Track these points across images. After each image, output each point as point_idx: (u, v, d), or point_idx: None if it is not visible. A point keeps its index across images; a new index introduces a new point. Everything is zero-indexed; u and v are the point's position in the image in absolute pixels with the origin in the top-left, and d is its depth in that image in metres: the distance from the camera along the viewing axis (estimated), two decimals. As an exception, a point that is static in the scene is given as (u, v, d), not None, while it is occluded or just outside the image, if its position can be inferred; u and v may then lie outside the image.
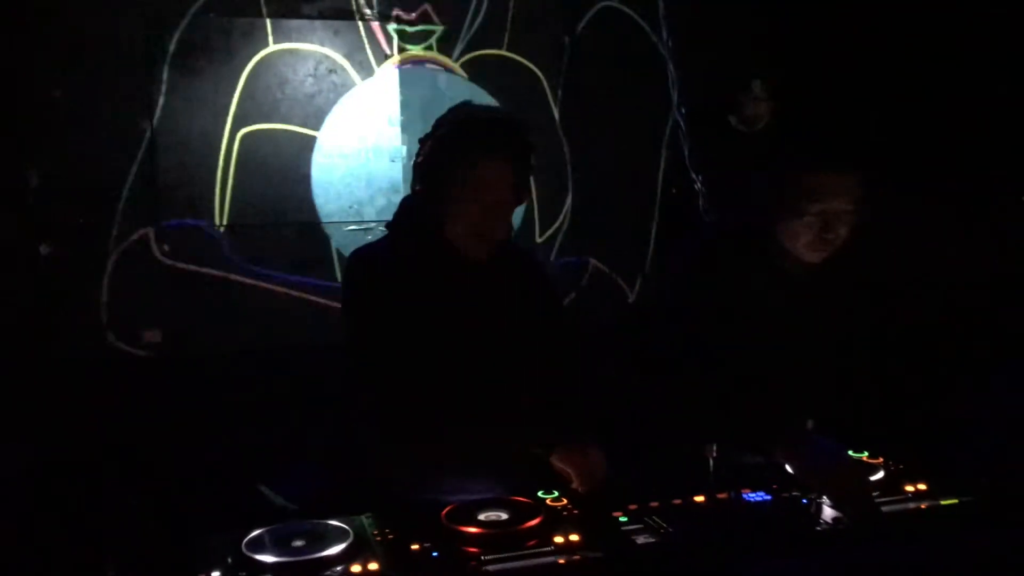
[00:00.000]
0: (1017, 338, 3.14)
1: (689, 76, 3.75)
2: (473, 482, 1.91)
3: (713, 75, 4.27)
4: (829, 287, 2.12)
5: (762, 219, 2.08)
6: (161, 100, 4.47)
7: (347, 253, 4.79)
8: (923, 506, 1.78)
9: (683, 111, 3.63)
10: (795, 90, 4.34)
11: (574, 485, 1.88)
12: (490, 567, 1.55)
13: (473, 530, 1.65)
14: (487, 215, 1.93)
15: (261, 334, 4.59)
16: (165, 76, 4.47)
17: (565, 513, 1.78)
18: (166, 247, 4.52)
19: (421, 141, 2.00)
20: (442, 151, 1.93)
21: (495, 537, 1.64)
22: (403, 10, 4.87)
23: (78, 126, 4.33)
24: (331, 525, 1.68)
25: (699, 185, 3.80)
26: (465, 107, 2.01)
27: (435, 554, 1.60)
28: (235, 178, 4.62)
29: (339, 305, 2.04)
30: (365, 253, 2.08)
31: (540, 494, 1.86)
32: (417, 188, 2.02)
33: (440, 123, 1.98)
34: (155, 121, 4.46)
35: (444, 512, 1.72)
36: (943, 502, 1.78)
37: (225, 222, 4.61)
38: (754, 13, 4.85)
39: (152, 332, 4.45)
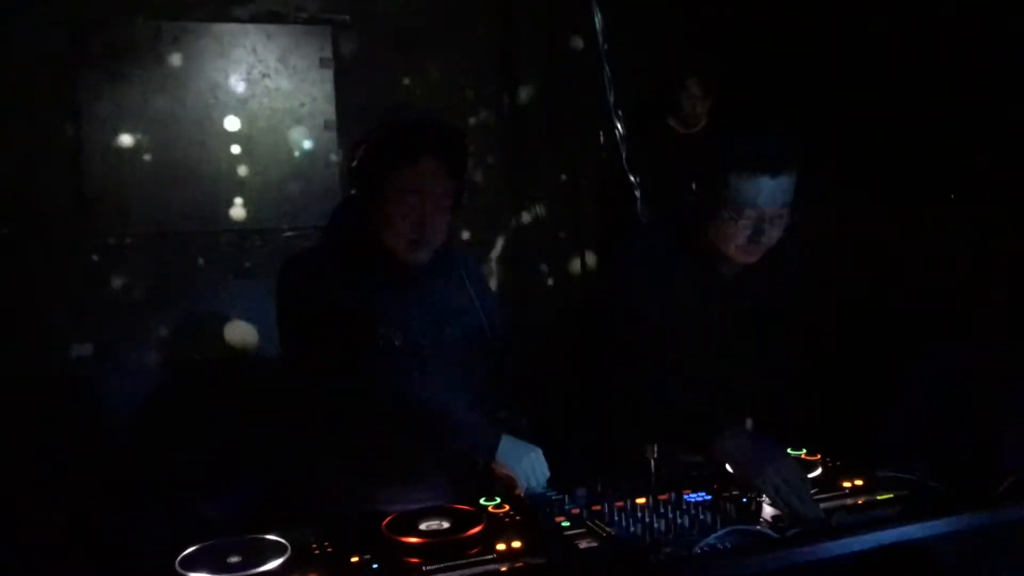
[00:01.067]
0: (944, 324, 3.23)
1: (625, 77, 3.76)
2: (413, 491, 1.88)
3: (649, 75, 4.30)
4: (760, 285, 2.14)
5: (695, 220, 2.09)
6: (87, 105, 4.36)
7: (282, 259, 4.73)
8: (860, 501, 1.80)
9: (619, 112, 3.64)
10: (732, 88, 4.39)
11: (516, 490, 1.87)
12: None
13: (414, 540, 1.63)
14: (423, 218, 1.91)
15: (196, 345, 4.50)
16: (91, 80, 4.35)
17: (507, 520, 1.76)
18: (95, 257, 4.40)
19: (355, 144, 1.97)
20: (377, 154, 1.91)
21: (436, 546, 1.61)
22: (336, 12, 4.83)
23: (0, 132, 4.19)
24: (268, 540, 1.64)
25: (637, 187, 3.81)
26: (399, 109, 1.99)
27: (375, 566, 1.57)
28: (166, 185, 4.51)
29: (270, 316, 2.00)
30: (298, 259, 2.04)
31: (482, 501, 1.84)
32: (352, 192, 1.99)
33: (373, 126, 1.96)
34: (81, 126, 4.34)
35: (384, 523, 1.69)
36: (879, 497, 1.81)
37: (156, 230, 4.50)
38: (690, 12, 4.92)
39: (83, 345, 4.33)
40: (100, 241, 4.39)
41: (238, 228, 4.66)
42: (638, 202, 3.87)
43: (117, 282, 4.40)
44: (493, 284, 4.42)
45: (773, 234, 2.01)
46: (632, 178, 3.75)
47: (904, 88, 3.97)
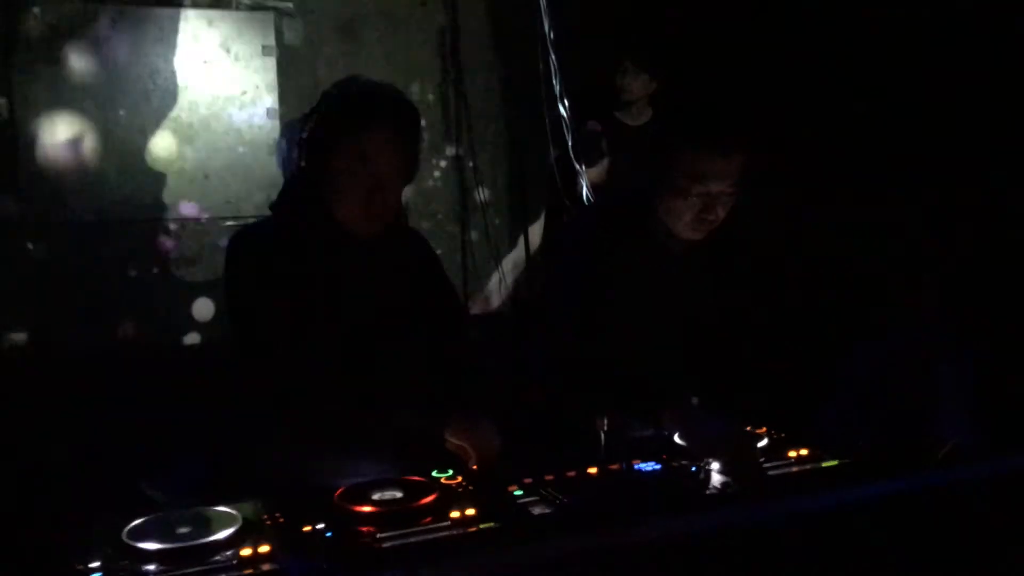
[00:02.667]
0: (883, 307, 3.32)
1: (570, 67, 3.79)
2: (366, 464, 1.87)
3: (594, 64, 4.33)
4: (707, 262, 2.18)
5: (644, 197, 2.12)
6: (21, 88, 4.24)
7: (223, 248, 4.66)
8: (806, 468, 1.84)
9: (566, 102, 3.67)
10: (676, 74, 4.44)
11: (470, 463, 1.86)
12: (386, 544, 1.51)
13: (367, 509, 1.62)
14: (376, 190, 1.90)
15: (136, 331, 4.41)
16: (25, 61, 4.24)
17: (460, 490, 1.76)
18: (29, 244, 4.29)
19: (305, 116, 1.95)
20: (329, 124, 1.89)
21: (390, 515, 1.61)
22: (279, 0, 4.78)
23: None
24: (218, 511, 1.62)
25: (582, 174, 3.85)
26: (351, 80, 1.98)
27: (328, 534, 1.55)
28: (104, 172, 4.42)
29: (216, 301, 1.98)
30: (246, 233, 2.01)
31: (435, 473, 1.83)
32: (302, 165, 1.97)
33: (326, 97, 1.94)
34: (15, 109, 4.23)
35: (337, 493, 1.68)
36: (824, 464, 1.85)
37: (95, 218, 4.40)
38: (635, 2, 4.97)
39: (17, 332, 4.21)
40: (35, 227, 4.27)
41: (176, 216, 4.59)
42: (586, 188, 3.90)
43: (51, 268, 4.29)
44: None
45: (720, 212, 2.05)
46: (578, 165, 3.78)
47: (843, 82, 4.07)
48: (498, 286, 5.29)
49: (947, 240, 3.73)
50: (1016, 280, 3.26)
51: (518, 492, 1.73)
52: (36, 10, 4.23)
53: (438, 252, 2.21)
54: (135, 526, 1.55)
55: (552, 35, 3.68)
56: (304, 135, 1.95)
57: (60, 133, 4.33)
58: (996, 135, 3.48)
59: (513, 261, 5.27)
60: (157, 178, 4.54)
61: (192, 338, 4.39)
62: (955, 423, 2.33)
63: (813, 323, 3.07)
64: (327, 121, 1.89)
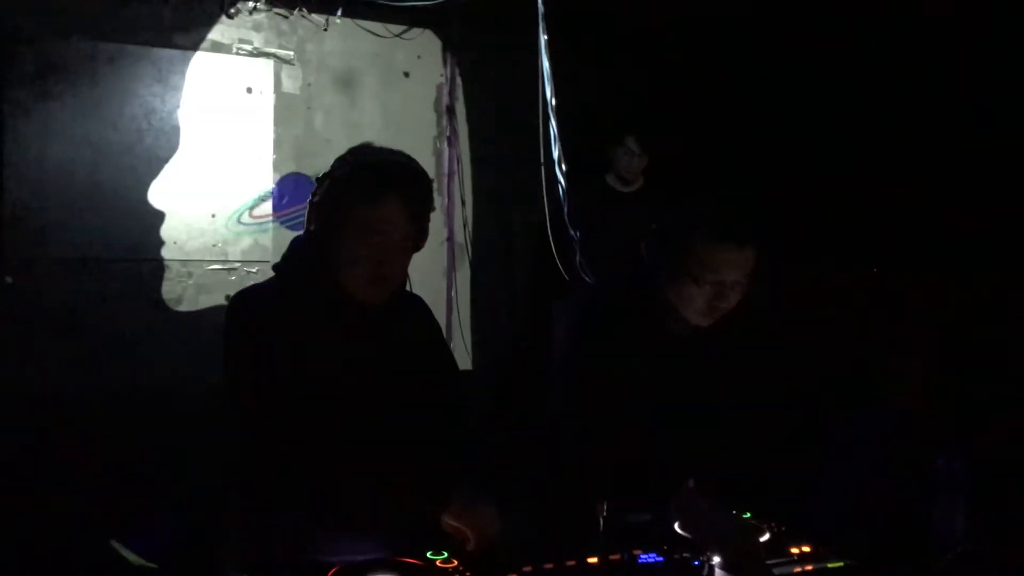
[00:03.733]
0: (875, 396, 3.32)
1: (567, 133, 3.81)
2: (359, 542, 1.80)
3: (589, 132, 4.37)
4: (713, 348, 2.17)
5: (652, 280, 2.12)
6: (12, 124, 4.18)
7: (208, 292, 4.59)
8: (809, 568, 1.80)
9: (563, 168, 3.68)
10: (668, 150, 4.50)
11: (468, 546, 1.81)
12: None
13: (362, 594, 1.56)
14: (384, 258, 1.87)
15: (115, 375, 4.30)
16: (18, 98, 4.19)
17: (455, 574, 1.70)
18: (8, 279, 4.20)
19: (319, 180, 1.93)
20: (341, 191, 1.87)
21: (385, 601, 1.55)
22: (280, 47, 4.78)
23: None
24: (206, 589, 1.55)
25: (576, 241, 3.85)
26: (365, 148, 1.96)
27: (321, 620, 1.50)
28: (91, 210, 4.35)
29: (199, 346, 1.93)
30: (250, 295, 1.97)
31: (429, 555, 1.78)
32: (311, 228, 1.94)
33: (339, 163, 1.92)
34: (5, 144, 4.16)
35: (330, 574, 1.62)
36: (829, 565, 1.81)
37: (79, 255, 4.32)
38: (632, 73, 5.04)
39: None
40: (17, 263, 4.19)
41: (163, 258, 4.52)
42: (578, 257, 3.90)
43: (31, 305, 4.19)
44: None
45: (732, 300, 2.05)
46: (573, 233, 3.78)
47: (829, 157, 4.14)
48: (481, 343, 5.27)
49: (944, 333, 3.77)
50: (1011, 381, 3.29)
51: (517, 582, 1.68)
52: (30, 48, 4.18)
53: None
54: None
55: (554, 101, 3.69)
56: (315, 199, 1.92)
57: (48, 170, 4.27)
58: (998, 227, 3.54)
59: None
60: (145, 217, 4.48)
61: (176, 384, 4.29)
62: (950, 523, 2.31)
63: (810, 410, 3.07)
64: (340, 188, 1.87)
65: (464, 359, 5.13)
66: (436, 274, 5.13)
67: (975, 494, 2.55)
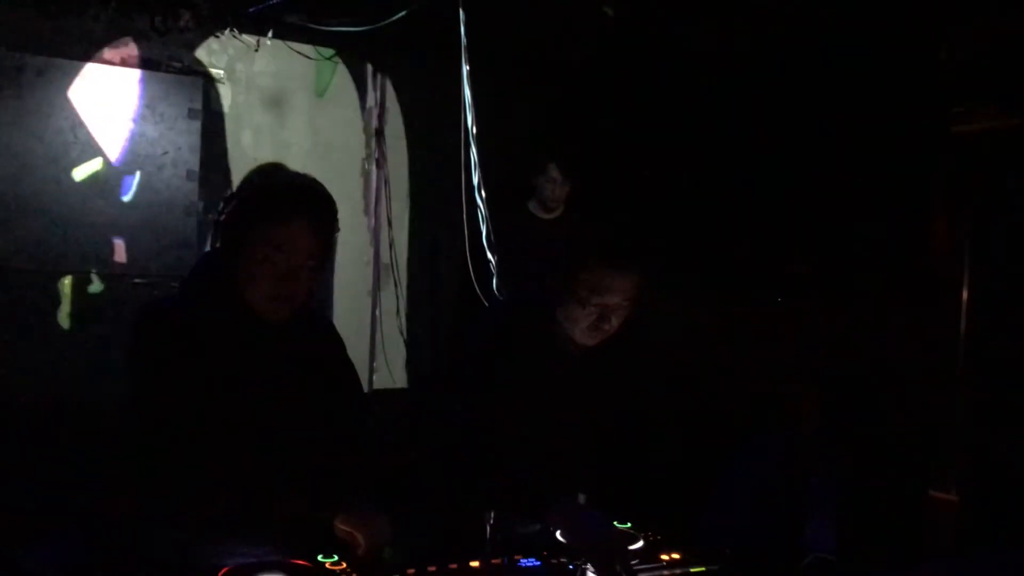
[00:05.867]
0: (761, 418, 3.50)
1: (488, 159, 3.95)
2: (252, 546, 1.89)
3: (512, 159, 4.51)
4: (601, 367, 2.30)
5: (546, 301, 2.25)
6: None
7: (130, 306, 4.60)
8: (675, 572, 1.94)
9: (483, 194, 3.81)
10: (589, 176, 4.66)
11: (358, 551, 1.91)
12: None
13: (249, 592, 1.65)
14: (287, 278, 1.96)
15: (25, 387, 4.29)
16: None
17: (343, 576, 1.80)
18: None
19: (225, 200, 2.01)
20: (246, 211, 1.96)
21: (271, 599, 1.64)
22: (211, 66, 4.85)
23: None
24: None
25: (493, 265, 3.97)
26: (271, 169, 2.06)
27: (208, 616, 1.58)
28: (13, 220, 4.35)
29: (113, 360, 2.00)
30: (154, 308, 2.05)
31: (320, 558, 1.87)
32: (217, 246, 2.02)
33: (246, 184, 2.01)
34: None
35: (220, 573, 1.70)
36: (692, 570, 1.95)
37: (-5, 265, 4.32)
38: (552, 100, 5.21)
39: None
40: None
41: (83, 270, 4.53)
42: (495, 280, 4.02)
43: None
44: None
45: (615, 322, 2.18)
46: (491, 257, 3.91)
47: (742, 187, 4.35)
48: (404, 362, 5.36)
49: (834, 356, 3.97)
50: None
51: (400, 583, 1.78)
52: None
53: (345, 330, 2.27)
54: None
55: (475, 129, 3.83)
56: (222, 217, 2.01)
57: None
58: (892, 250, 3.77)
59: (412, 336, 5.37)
60: (67, 230, 4.49)
61: (88, 395, 4.30)
62: (820, 536, 2.47)
63: (703, 427, 3.23)
64: (246, 209, 1.96)
65: (386, 378, 5.22)
66: (362, 294, 5.22)
67: (850, 509, 2.75)
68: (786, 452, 3.13)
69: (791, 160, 4.19)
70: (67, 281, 4.51)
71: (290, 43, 5.02)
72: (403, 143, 5.42)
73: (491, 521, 1.99)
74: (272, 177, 2.03)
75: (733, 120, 4.39)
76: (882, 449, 3.39)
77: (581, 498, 2.35)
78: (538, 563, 1.94)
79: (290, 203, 1.95)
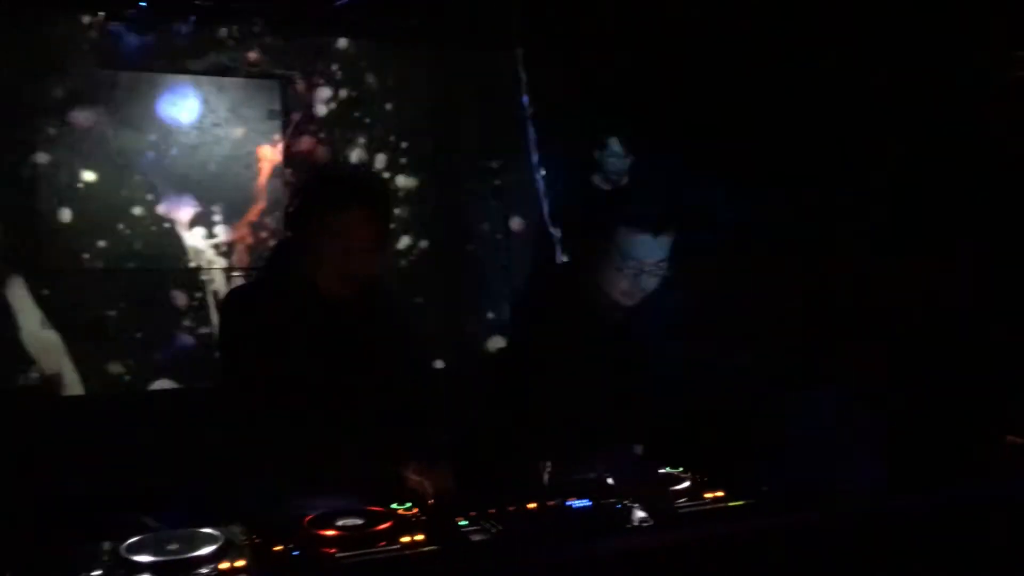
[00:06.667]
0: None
1: (548, 136, 4.12)
2: (333, 496, 2.14)
3: (572, 135, 4.66)
4: (639, 322, 2.47)
5: (588, 267, 2.43)
6: (46, 148, 4.59)
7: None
8: (716, 507, 2.11)
9: (543, 172, 3.99)
10: (650, 147, 4.77)
11: (427, 499, 2.14)
12: (345, 562, 1.79)
13: (330, 533, 1.89)
14: (350, 258, 2.19)
15: (143, 375, 4.71)
16: (50, 124, 4.59)
17: (414, 520, 2.02)
18: (45, 291, 4.60)
19: (292, 193, 2.26)
20: (310, 201, 2.20)
21: (349, 538, 1.87)
22: (286, 68, 5.14)
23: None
24: (203, 532, 1.89)
25: (558, 240, 4.15)
26: (331, 164, 2.29)
27: (296, 553, 1.82)
28: (118, 224, 4.74)
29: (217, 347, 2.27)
30: (238, 291, 2.33)
31: (394, 505, 2.10)
32: (288, 234, 2.27)
33: (309, 177, 2.25)
34: (40, 168, 4.57)
35: (306, 520, 1.95)
36: (731, 504, 2.12)
37: (105, 266, 4.72)
38: (613, 74, 5.31)
39: (32, 373, 4.50)
40: (51, 275, 4.59)
41: (186, 267, 4.90)
42: (559, 250, 4.19)
43: (67, 313, 4.59)
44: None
45: (651, 282, 2.34)
46: (552, 230, 4.08)
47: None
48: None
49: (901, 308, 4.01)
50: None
51: (463, 523, 2.00)
52: (60, 78, 4.58)
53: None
54: (132, 543, 1.83)
55: (533, 109, 4.00)
56: (290, 209, 2.25)
57: (78, 189, 4.67)
58: (953, 200, 3.77)
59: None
60: (165, 231, 4.86)
61: (192, 380, 4.68)
62: (863, 471, 2.57)
63: (760, 379, 3.33)
64: (310, 199, 2.20)
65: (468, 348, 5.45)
66: (441, 272, 5.45)
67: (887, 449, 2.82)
68: (846, 406, 3.21)
69: (848, 112, 4.20)
70: (173, 277, 4.88)
71: (359, 40, 5.26)
72: (472, 124, 5.60)
73: (547, 469, 2.20)
74: (331, 170, 2.26)
75: (786, 79, 4.42)
76: (953, 396, 3.41)
77: (638, 448, 2.52)
78: (589, 503, 2.13)
79: (347, 193, 2.18)
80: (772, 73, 4.47)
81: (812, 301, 3.95)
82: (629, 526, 2.01)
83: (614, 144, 4.70)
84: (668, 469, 2.33)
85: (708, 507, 2.11)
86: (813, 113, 4.17)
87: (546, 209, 4.10)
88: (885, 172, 3.94)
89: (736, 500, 2.13)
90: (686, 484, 2.24)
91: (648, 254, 2.31)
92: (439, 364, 4.60)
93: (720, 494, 2.19)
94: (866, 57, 4.04)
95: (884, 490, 2.63)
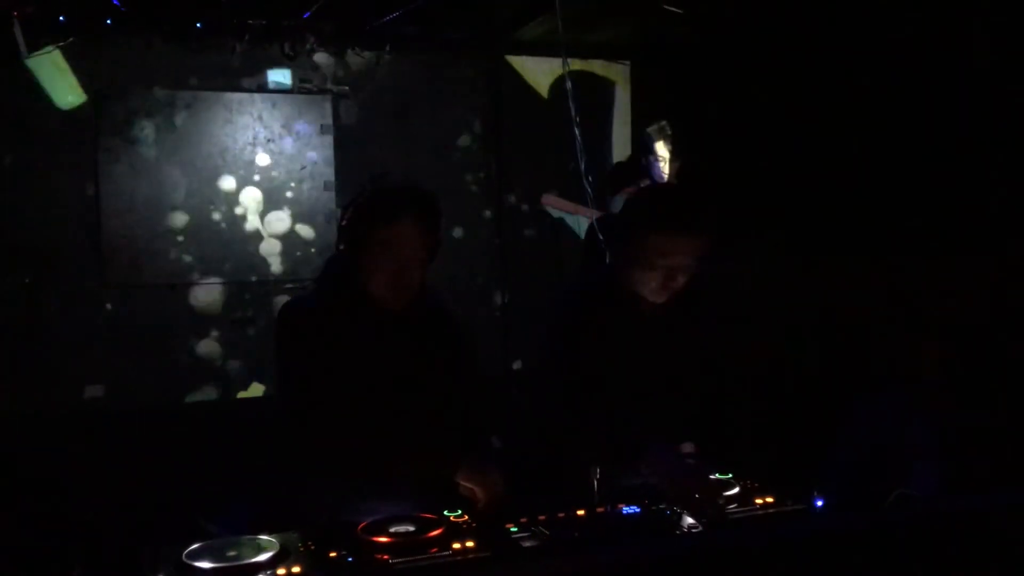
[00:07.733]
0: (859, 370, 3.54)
1: (594, 146, 4.14)
2: (387, 503, 2.18)
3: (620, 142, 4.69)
4: (679, 323, 2.47)
5: (620, 268, 2.44)
6: (105, 167, 4.74)
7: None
8: (766, 512, 2.11)
9: (590, 179, 4.02)
10: (697, 151, 4.78)
11: (478, 505, 2.17)
12: (397, 568, 1.83)
13: (383, 539, 1.93)
14: (401, 270, 2.24)
15: (201, 387, 4.84)
16: (110, 144, 4.75)
17: (465, 527, 2.06)
18: (109, 306, 4.75)
19: (344, 207, 2.31)
20: (360, 216, 2.25)
21: (402, 545, 1.92)
22: (336, 84, 5.24)
23: (26, 190, 4.57)
24: (260, 539, 1.95)
25: (605, 246, 4.17)
26: (381, 177, 2.34)
27: (350, 559, 1.87)
28: (175, 240, 4.88)
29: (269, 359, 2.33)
30: (293, 304, 2.38)
31: (446, 512, 2.14)
32: (341, 247, 2.32)
33: (361, 192, 2.30)
34: (100, 186, 4.72)
35: (360, 527, 2.00)
36: (784, 509, 2.11)
37: (165, 281, 4.86)
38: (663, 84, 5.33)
39: (95, 387, 4.65)
40: (113, 291, 4.74)
41: (241, 280, 5.02)
42: (609, 256, 4.21)
43: (128, 328, 4.73)
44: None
45: (681, 280, 2.34)
46: (600, 236, 4.10)
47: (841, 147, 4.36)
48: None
49: (957, 309, 3.94)
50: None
51: (514, 529, 2.03)
52: (119, 99, 4.73)
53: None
54: (192, 549, 1.89)
55: (578, 118, 4.03)
56: (342, 222, 2.31)
57: (137, 207, 4.81)
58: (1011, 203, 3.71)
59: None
60: (224, 245, 4.98)
61: (254, 391, 4.80)
62: (923, 481, 2.55)
63: (817, 382, 3.32)
64: (361, 213, 2.25)
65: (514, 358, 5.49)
66: (489, 281, 5.51)
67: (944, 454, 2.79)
68: (904, 409, 3.18)
69: (904, 111, 4.14)
70: (228, 291, 5.00)
71: (407, 54, 5.35)
72: (518, 136, 5.66)
73: (597, 475, 2.22)
74: (381, 183, 2.30)
75: (839, 71, 4.38)
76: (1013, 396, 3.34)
77: (688, 447, 2.51)
78: (639, 510, 2.15)
79: (396, 206, 2.23)
80: (816, 68, 4.44)
81: (872, 302, 3.91)
82: (679, 531, 2.02)
83: (661, 149, 4.73)
84: (717, 475, 2.33)
85: (759, 513, 2.11)
86: (875, 109, 4.12)
87: (594, 218, 4.12)
88: (951, 170, 3.87)
89: (786, 506, 2.13)
90: (736, 490, 2.24)
91: (680, 254, 2.31)
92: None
93: (770, 500, 2.19)
94: (939, 54, 3.98)
95: (944, 493, 2.61)
